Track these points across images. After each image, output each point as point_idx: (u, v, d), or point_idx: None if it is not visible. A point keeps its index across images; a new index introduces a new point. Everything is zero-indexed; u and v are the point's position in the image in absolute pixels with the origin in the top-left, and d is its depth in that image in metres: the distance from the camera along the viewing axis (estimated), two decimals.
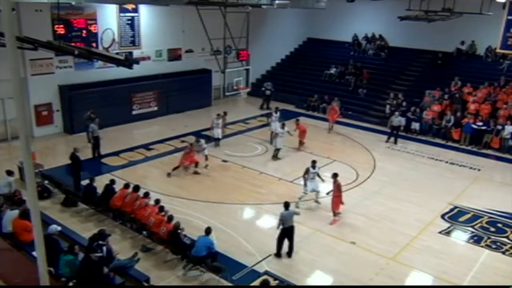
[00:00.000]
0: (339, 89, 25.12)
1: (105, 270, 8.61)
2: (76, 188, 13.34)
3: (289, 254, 10.78)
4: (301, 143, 18.22)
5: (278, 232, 10.74)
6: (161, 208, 10.89)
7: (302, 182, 13.73)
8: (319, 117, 23.09)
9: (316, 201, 13.45)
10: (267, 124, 19.70)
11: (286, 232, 10.64)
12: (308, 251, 11.07)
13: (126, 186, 11.89)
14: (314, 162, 13.44)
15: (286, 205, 10.79)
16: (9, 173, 12.25)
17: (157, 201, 11.29)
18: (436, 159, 17.90)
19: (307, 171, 13.23)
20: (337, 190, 12.41)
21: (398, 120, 19.54)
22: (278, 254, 10.72)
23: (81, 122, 17.87)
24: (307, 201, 13.37)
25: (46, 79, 18.22)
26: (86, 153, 15.94)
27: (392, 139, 19.68)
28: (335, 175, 12.56)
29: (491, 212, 13.41)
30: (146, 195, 11.51)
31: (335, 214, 12.54)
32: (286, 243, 10.77)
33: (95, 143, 16.38)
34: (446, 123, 20.03)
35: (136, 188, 11.76)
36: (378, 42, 27.07)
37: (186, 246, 10.02)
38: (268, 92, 24.44)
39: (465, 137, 19.53)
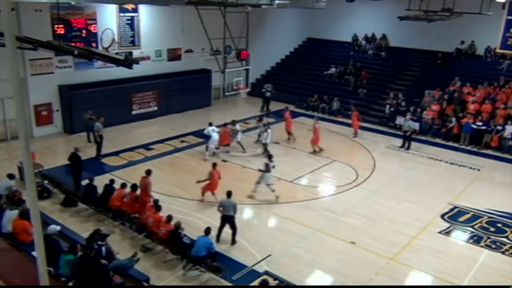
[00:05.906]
0: (339, 89, 25.14)
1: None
2: (77, 188, 13.32)
3: (232, 241, 11.15)
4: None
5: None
6: (158, 208, 10.87)
7: (302, 182, 13.63)
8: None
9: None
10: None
11: (225, 220, 11.07)
12: (308, 251, 11.07)
13: (123, 186, 11.91)
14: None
15: (228, 194, 11.17)
16: (11, 176, 12.07)
17: (156, 202, 11.31)
18: (436, 159, 17.89)
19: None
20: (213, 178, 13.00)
21: (407, 124, 18.67)
22: (217, 239, 11.02)
23: (80, 122, 17.86)
24: (303, 201, 13.37)
25: (46, 79, 18.21)
26: (86, 153, 15.89)
27: (406, 144, 18.73)
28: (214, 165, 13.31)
29: (490, 212, 13.41)
30: None
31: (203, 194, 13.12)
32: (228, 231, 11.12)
33: (101, 141, 16.38)
34: (448, 124, 19.99)
35: (134, 187, 11.76)
36: (379, 41, 27.04)
37: (186, 246, 10.02)
38: (268, 94, 24.20)
39: (465, 137, 19.53)
